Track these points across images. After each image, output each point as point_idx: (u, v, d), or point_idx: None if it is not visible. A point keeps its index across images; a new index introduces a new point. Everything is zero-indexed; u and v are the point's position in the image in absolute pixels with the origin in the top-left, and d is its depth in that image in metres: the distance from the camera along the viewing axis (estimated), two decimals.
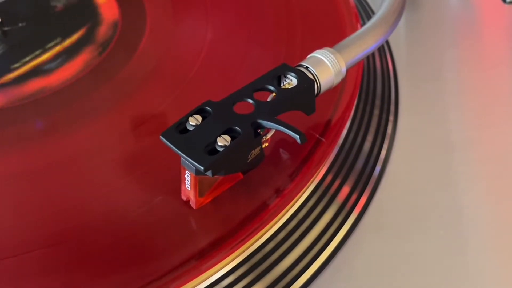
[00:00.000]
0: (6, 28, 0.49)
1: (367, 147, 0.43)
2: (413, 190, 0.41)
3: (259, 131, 0.35)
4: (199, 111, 0.35)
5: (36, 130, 0.42)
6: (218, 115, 0.35)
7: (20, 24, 0.49)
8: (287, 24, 0.47)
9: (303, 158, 0.38)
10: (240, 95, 0.36)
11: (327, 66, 0.38)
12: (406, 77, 0.48)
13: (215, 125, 0.34)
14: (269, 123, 0.35)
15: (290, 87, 0.37)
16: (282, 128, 0.34)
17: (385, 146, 0.43)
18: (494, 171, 0.42)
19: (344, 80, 0.40)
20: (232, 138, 0.34)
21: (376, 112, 0.45)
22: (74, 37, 0.48)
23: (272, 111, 0.35)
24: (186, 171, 0.34)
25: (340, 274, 0.37)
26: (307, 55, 0.39)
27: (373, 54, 0.48)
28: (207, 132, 0.34)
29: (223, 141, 0.33)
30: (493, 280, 0.37)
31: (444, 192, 0.41)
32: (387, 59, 0.49)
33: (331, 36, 0.45)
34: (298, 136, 0.34)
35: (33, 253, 0.34)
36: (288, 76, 0.37)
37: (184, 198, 0.36)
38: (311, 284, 0.37)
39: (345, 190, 0.40)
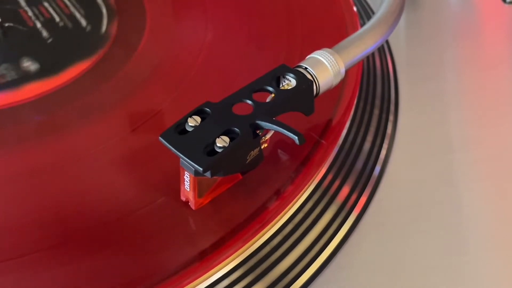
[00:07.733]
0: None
1: (367, 147, 0.42)
2: (413, 190, 0.41)
3: (258, 132, 0.35)
4: (198, 112, 0.35)
5: (36, 129, 0.42)
6: (217, 116, 0.35)
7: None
8: (287, 24, 0.47)
9: (303, 159, 0.38)
10: (239, 96, 0.36)
11: (326, 67, 0.38)
12: (406, 77, 0.48)
13: (214, 126, 0.34)
14: (267, 124, 0.35)
15: (289, 88, 0.37)
16: (281, 129, 0.34)
17: (385, 146, 0.43)
18: (494, 171, 0.42)
19: (344, 80, 0.40)
20: (231, 139, 0.34)
21: (376, 112, 0.45)
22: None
23: (271, 112, 0.35)
24: (185, 172, 0.34)
25: (340, 274, 0.37)
26: (306, 56, 0.39)
27: (373, 54, 0.48)
28: (206, 133, 0.34)
29: (222, 142, 0.33)
30: (493, 280, 0.37)
31: (444, 192, 0.41)
32: (387, 59, 0.49)
33: (331, 37, 0.45)
34: (296, 137, 0.34)
35: (33, 254, 0.34)
36: (287, 77, 0.37)
37: (183, 198, 0.36)
38: (311, 284, 0.37)
39: (345, 190, 0.40)
